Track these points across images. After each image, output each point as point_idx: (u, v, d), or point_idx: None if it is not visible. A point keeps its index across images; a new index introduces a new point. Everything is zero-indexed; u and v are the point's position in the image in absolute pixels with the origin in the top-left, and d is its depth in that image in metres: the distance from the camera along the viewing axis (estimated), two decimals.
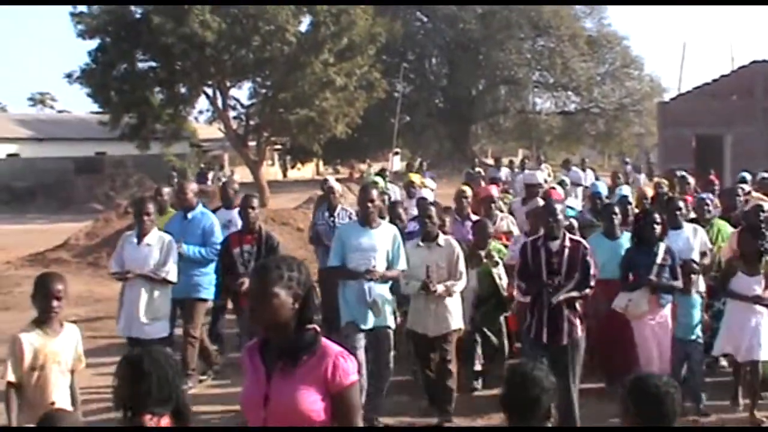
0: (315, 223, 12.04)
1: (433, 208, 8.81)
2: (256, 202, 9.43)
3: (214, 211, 11.34)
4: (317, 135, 34.77)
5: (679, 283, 8.56)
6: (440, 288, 8.32)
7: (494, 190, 11.59)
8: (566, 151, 52.91)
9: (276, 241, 9.31)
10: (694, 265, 8.85)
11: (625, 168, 29.38)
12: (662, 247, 8.59)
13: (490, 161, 36.99)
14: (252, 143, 35.62)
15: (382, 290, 8.23)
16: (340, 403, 3.82)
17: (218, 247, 9.67)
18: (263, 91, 34.58)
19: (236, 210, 10.22)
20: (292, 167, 54.71)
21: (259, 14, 30.54)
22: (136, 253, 8.75)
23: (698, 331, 8.70)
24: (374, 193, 8.51)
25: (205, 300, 9.92)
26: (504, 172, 23.33)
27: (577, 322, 7.68)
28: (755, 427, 8.29)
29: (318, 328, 3.91)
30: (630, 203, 11.41)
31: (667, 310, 8.64)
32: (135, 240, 8.80)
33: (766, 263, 8.45)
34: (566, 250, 7.72)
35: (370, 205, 8.37)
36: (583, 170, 23.74)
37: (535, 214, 9.38)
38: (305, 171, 55.02)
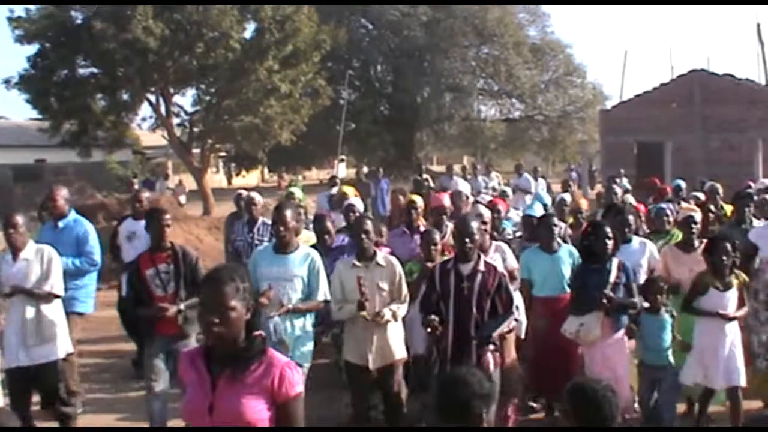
0: (234, 238, 10.82)
1: (369, 222, 7.66)
2: (168, 217, 8.08)
3: (120, 220, 10.85)
4: (262, 142, 34.54)
5: (636, 301, 7.74)
6: (387, 314, 7.28)
7: (446, 200, 10.34)
8: (511, 158, 53.35)
9: (194, 257, 8.04)
10: (661, 283, 7.97)
11: (570, 175, 29.71)
12: (615, 263, 7.73)
13: (437, 168, 37.14)
14: (196, 150, 35.29)
15: (298, 324, 7.47)
16: (284, 413, 3.84)
17: (95, 256, 9.04)
18: (207, 98, 34.24)
19: (143, 221, 9.47)
20: (237, 174, 54.36)
21: (203, 21, 30.28)
22: (13, 270, 7.86)
23: (669, 355, 7.84)
24: (288, 213, 7.56)
25: (80, 314, 9.25)
26: (455, 180, 22.78)
27: (489, 357, 6.78)
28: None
29: (264, 335, 3.95)
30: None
31: (622, 333, 7.82)
32: (10, 257, 7.92)
33: (737, 276, 7.75)
34: (479, 275, 6.90)
35: (282, 228, 7.51)
36: (535, 178, 23.66)
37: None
38: (250, 178, 54.75)
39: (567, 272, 8.46)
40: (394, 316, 7.38)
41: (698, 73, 33.55)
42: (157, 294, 7.82)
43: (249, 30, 32.63)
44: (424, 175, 22.64)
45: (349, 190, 12.54)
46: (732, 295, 7.66)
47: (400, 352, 7.56)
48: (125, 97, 33.17)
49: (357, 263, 7.44)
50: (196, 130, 34.50)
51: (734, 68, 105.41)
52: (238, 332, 3.82)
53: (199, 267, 7.94)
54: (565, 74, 52.04)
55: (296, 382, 3.86)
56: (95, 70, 32.44)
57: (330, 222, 9.62)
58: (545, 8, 53.20)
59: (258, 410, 3.76)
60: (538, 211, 11.01)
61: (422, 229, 9.39)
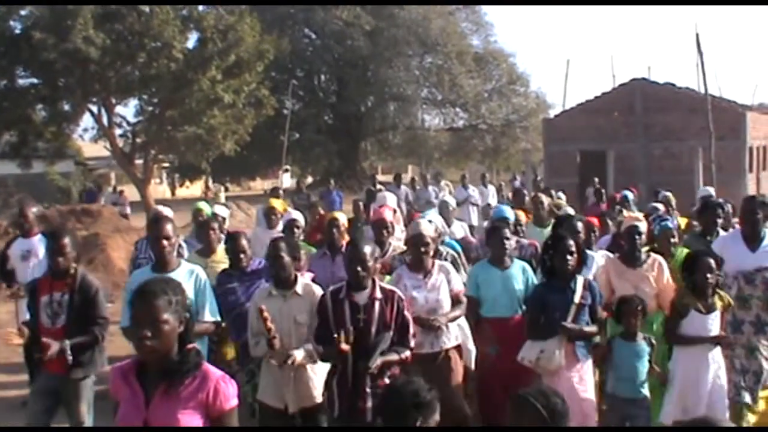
0: (137, 256, 9.58)
1: (283, 244, 6.55)
2: (68, 241, 6.89)
3: (8, 243, 9.79)
4: (205, 152, 34.34)
5: (595, 330, 6.91)
6: (299, 355, 6.10)
7: (388, 213, 9.10)
8: (455, 167, 53.65)
9: (95, 288, 6.89)
10: (638, 307, 6.99)
11: (514, 184, 29.83)
12: (580, 282, 6.85)
13: (382, 177, 37.10)
14: (139, 161, 34.90)
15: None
16: (219, 427, 3.83)
17: None
18: (150, 108, 33.90)
19: (36, 238, 8.97)
20: (181, 185, 53.80)
21: (145, 30, 29.99)
22: None
23: (645, 387, 6.91)
24: (168, 228, 6.75)
25: None
26: (404, 191, 21.87)
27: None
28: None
29: (198, 348, 3.93)
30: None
31: (589, 361, 6.89)
32: None
33: (720, 298, 6.99)
34: (376, 304, 6.02)
35: (165, 242, 6.70)
36: (485, 185, 23.19)
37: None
38: (194, 189, 54.21)
39: (520, 290, 7.59)
40: (311, 356, 6.17)
41: (639, 82, 34.00)
42: (45, 326, 6.78)
43: (192, 40, 32.46)
44: (378, 186, 22.27)
45: (277, 203, 11.51)
46: (715, 319, 6.88)
47: (321, 394, 6.40)
48: (66, 107, 32.70)
49: (274, 291, 6.47)
50: (138, 140, 34.13)
51: (675, 77, 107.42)
52: (171, 346, 3.77)
53: (99, 300, 6.90)
54: (508, 83, 52.54)
55: (231, 395, 3.83)
56: (35, 81, 31.95)
57: (246, 240, 7.92)
58: (489, 18, 53.72)
59: (193, 425, 3.74)
60: (509, 213, 9.91)
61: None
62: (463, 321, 7.49)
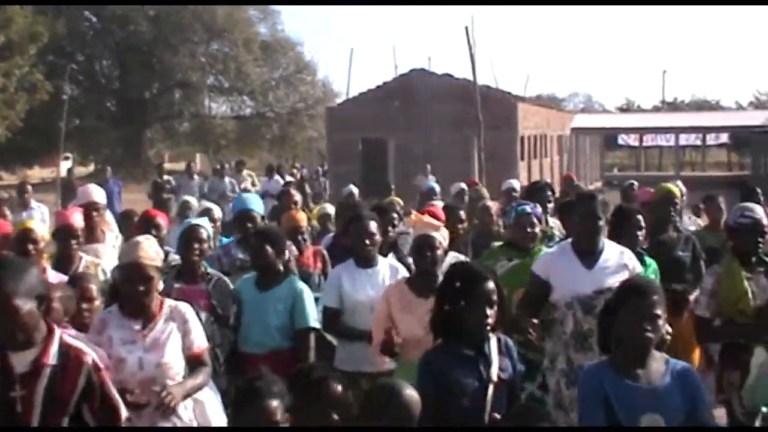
0: None
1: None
2: None
3: None
4: None
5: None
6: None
7: (76, 218, 6.71)
8: (244, 155, 53.32)
9: None
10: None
11: (302, 172, 29.80)
12: (494, 346, 4.56)
13: (169, 166, 36.22)
14: None
15: None
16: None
17: None
18: None
19: None
20: None
21: None
22: None
23: None
24: None
25: None
26: (197, 182, 19.82)
27: None
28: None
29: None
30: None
31: None
32: None
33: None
34: (44, 372, 3.70)
35: None
36: (281, 176, 22.11)
37: None
38: None
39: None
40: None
41: (419, 72, 34.94)
42: None
43: None
44: (166, 177, 20.19)
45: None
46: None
47: None
48: None
49: None
50: None
51: (454, 68, 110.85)
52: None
53: None
54: (295, 72, 52.75)
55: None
56: None
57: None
58: (276, 6, 53.53)
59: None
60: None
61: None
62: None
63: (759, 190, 9.38)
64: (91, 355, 3.84)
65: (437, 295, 4.42)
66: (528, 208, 6.55)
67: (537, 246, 6.52)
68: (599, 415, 3.85)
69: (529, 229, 6.46)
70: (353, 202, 12.03)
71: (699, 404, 3.90)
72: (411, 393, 3.92)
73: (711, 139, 60.72)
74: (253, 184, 19.84)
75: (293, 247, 7.06)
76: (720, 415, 5.64)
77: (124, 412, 3.96)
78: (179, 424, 4.65)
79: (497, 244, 6.85)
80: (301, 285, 6.11)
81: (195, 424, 4.75)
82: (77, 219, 6.61)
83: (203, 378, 4.76)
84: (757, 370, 4.38)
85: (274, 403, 3.69)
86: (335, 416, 3.91)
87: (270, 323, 5.86)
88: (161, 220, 7.45)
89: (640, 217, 6.37)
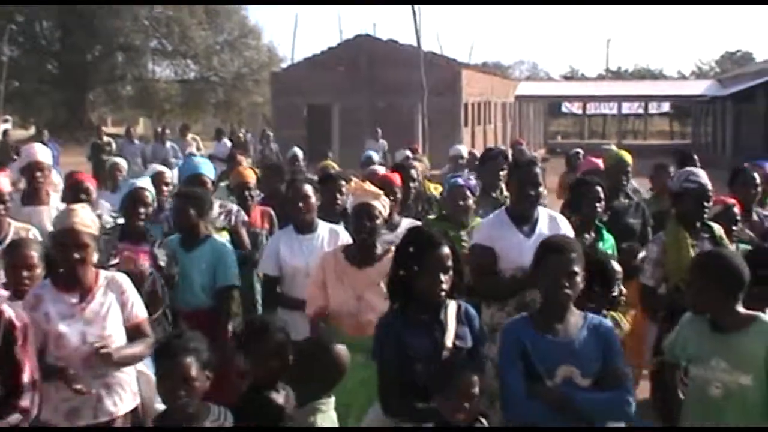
0: None
1: None
2: None
3: None
4: None
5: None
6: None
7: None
8: (189, 119, 52.80)
9: None
10: None
11: (247, 137, 29.52)
12: (452, 309, 4.36)
13: (113, 130, 35.80)
14: None
15: None
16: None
17: None
18: None
19: None
20: None
21: None
22: None
23: None
24: None
25: None
26: (138, 146, 19.18)
27: None
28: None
29: None
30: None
31: None
32: None
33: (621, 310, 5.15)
34: None
35: None
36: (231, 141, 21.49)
37: None
38: None
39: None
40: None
41: (364, 38, 34.95)
42: None
43: None
44: (106, 139, 20.02)
45: None
46: None
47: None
48: None
49: None
50: None
51: (400, 35, 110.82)
52: None
53: None
54: (240, 36, 52.29)
55: None
56: None
57: None
58: None
59: None
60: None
61: None
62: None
63: (696, 158, 9.38)
64: (8, 312, 3.78)
65: (393, 260, 4.31)
66: (460, 180, 6.40)
67: (472, 219, 6.37)
68: (517, 368, 3.99)
69: (461, 202, 6.29)
70: (298, 167, 12.16)
71: (612, 354, 4.05)
72: (340, 347, 4.07)
73: (653, 108, 61.53)
74: (198, 149, 19.56)
75: (242, 213, 7.11)
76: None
77: (27, 378, 3.80)
78: (124, 396, 4.55)
79: (431, 217, 6.72)
80: (223, 244, 6.18)
81: (138, 398, 4.68)
82: (3, 183, 6.15)
83: (142, 348, 4.54)
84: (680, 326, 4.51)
85: (188, 359, 3.78)
86: (275, 364, 4.01)
87: (194, 282, 5.97)
88: (90, 183, 7.33)
89: (599, 188, 6.20)
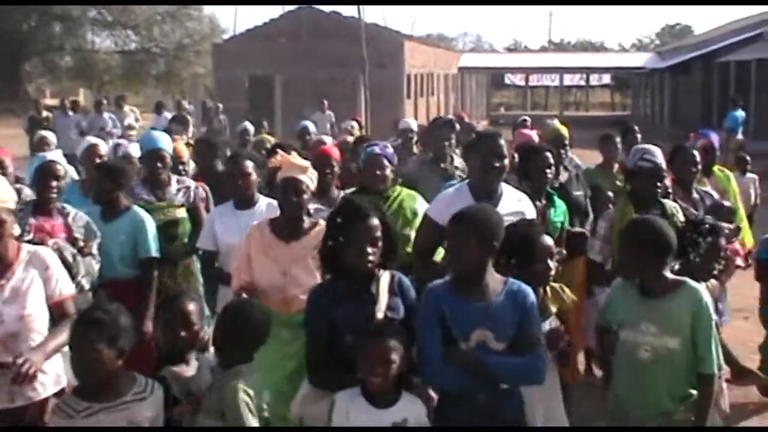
0: None
1: None
2: None
3: None
4: None
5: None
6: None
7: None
8: (130, 91, 52.09)
9: None
10: None
11: (189, 109, 28.94)
12: (384, 281, 4.41)
13: (51, 101, 35.07)
14: None
15: None
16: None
17: None
18: None
19: None
20: None
21: None
22: None
23: None
24: None
25: None
26: (74, 118, 18.67)
27: None
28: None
29: None
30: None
31: None
32: None
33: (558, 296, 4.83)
34: None
35: None
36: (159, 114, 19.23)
37: None
38: None
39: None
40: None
41: (306, 10, 34.80)
42: None
43: None
44: (45, 113, 19.28)
45: None
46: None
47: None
48: None
49: None
50: None
51: (342, 6, 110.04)
52: None
53: None
54: (181, 7, 51.52)
55: None
56: None
57: None
58: None
59: None
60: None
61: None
62: None
63: (636, 128, 9.41)
64: None
65: (325, 231, 4.25)
66: (377, 149, 6.11)
67: (390, 188, 6.06)
68: (435, 333, 4.01)
69: (378, 171, 5.95)
70: (247, 140, 12.08)
71: (527, 320, 4.07)
72: (261, 307, 4.22)
73: (594, 79, 62.25)
74: (137, 119, 19.29)
75: (200, 189, 6.97)
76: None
77: None
78: (44, 379, 4.22)
79: (351, 189, 6.50)
80: (143, 216, 6.17)
81: (64, 379, 4.38)
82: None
83: (65, 334, 4.00)
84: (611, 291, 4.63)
85: (93, 334, 3.71)
86: (183, 333, 4.10)
87: (113, 253, 6.00)
88: (5, 156, 7.13)
89: (549, 154, 6.00)
